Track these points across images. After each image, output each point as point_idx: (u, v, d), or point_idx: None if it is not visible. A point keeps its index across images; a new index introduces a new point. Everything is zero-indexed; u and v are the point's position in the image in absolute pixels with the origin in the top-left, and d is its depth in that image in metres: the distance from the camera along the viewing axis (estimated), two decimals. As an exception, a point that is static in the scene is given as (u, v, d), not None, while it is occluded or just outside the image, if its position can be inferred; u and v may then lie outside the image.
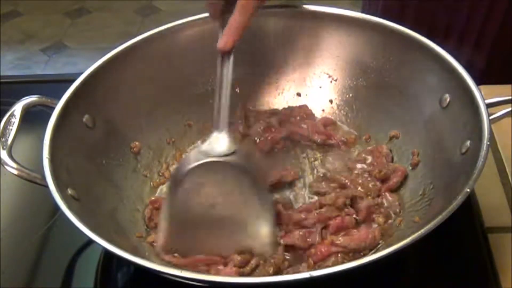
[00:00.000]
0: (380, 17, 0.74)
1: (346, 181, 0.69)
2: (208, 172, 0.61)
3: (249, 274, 0.60)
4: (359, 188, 0.68)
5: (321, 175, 0.71)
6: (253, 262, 0.61)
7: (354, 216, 0.64)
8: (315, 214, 0.64)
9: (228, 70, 0.64)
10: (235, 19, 0.63)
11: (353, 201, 0.66)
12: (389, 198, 0.68)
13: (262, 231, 0.62)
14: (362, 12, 0.92)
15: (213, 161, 0.61)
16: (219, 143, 0.63)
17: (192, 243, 0.62)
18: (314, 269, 0.59)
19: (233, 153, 0.62)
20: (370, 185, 0.69)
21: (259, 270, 0.61)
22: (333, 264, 0.60)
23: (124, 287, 0.66)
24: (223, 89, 0.64)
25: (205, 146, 0.63)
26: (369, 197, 0.67)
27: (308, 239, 0.62)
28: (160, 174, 0.74)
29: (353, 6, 0.93)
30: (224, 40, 0.64)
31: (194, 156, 0.63)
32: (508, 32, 0.88)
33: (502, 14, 0.87)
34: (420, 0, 0.91)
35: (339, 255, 0.61)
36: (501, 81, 0.81)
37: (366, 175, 0.70)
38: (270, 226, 0.63)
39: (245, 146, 0.66)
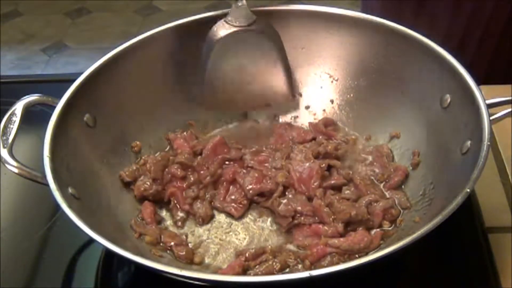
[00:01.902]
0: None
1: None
2: (234, 40, 0.72)
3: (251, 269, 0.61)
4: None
5: None
6: (263, 257, 0.62)
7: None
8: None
9: None
10: None
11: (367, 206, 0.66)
12: (396, 196, 0.68)
13: (284, 84, 0.77)
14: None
15: (238, 31, 0.71)
16: (239, 13, 0.71)
17: (226, 99, 0.77)
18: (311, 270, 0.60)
19: (253, 21, 0.72)
20: (372, 188, 0.69)
21: (265, 267, 0.61)
22: (329, 265, 0.60)
23: (125, 286, 0.66)
24: None
25: (229, 18, 0.72)
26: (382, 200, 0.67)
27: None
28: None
29: (353, 6, 0.93)
30: None
31: (219, 28, 0.72)
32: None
33: (506, 15, 0.87)
34: (419, 1, 0.91)
35: (335, 256, 0.61)
36: (505, 81, 0.81)
37: (367, 174, 0.70)
38: (288, 78, 0.77)
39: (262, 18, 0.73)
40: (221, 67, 0.74)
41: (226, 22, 0.72)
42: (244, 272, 0.61)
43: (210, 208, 0.69)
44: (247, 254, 0.62)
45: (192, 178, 0.71)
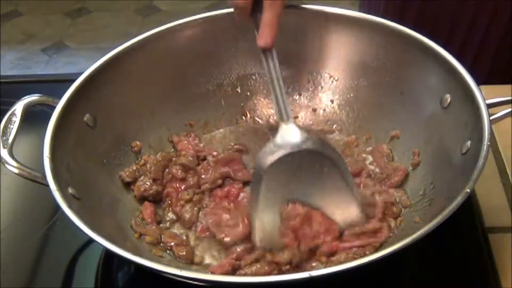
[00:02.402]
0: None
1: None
2: (287, 164, 0.61)
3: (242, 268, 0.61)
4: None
5: None
6: (253, 256, 0.62)
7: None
8: None
9: (274, 64, 0.64)
10: (268, 16, 0.63)
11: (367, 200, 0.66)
12: (397, 194, 0.68)
13: (351, 208, 0.64)
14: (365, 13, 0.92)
15: (291, 152, 0.61)
16: (290, 133, 0.62)
17: (285, 236, 0.62)
18: (327, 265, 0.61)
19: (306, 140, 0.62)
20: (372, 186, 0.69)
21: (256, 267, 0.61)
22: (345, 260, 0.60)
23: (125, 286, 0.66)
24: (275, 81, 0.64)
25: (278, 140, 0.62)
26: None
27: None
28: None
29: (353, 6, 0.93)
30: (264, 38, 0.63)
31: (269, 151, 0.61)
32: None
33: (508, 15, 0.87)
34: (422, 1, 0.91)
35: (352, 250, 0.61)
36: (505, 81, 0.81)
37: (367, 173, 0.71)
38: (355, 202, 0.63)
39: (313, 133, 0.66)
40: (275, 195, 0.62)
41: (276, 144, 0.62)
42: (234, 270, 0.61)
43: (196, 215, 0.68)
44: (237, 251, 0.62)
45: (192, 182, 0.71)
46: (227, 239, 0.64)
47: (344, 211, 0.63)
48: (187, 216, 0.68)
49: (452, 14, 0.89)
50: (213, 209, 0.68)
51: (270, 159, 0.60)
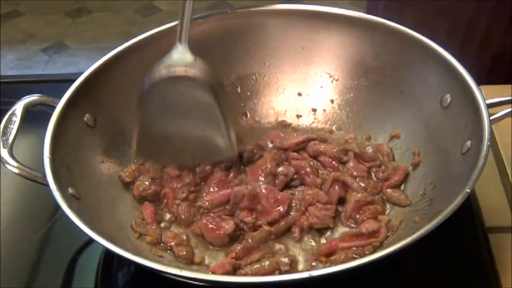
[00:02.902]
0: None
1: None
2: (171, 85, 0.64)
3: (243, 267, 0.61)
4: (359, 182, 0.69)
5: None
6: (253, 255, 0.62)
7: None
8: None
9: None
10: None
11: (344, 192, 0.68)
12: (394, 194, 0.68)
13: (223, 138, 0.67)
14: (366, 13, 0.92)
15: (174, 76, 0.64)
16: (179, 55, 0.65)
17: (160, 152, 0.69)
18: (326, 265, 0.61)
19: (193, 65, 0.64)
20: (370, 182, 0.69)
21: (257, 267, 0.61)
22: (344, 259, 0.61)
23: (125, 286, 0.66)
24: (187, 2, 0.66)
25: (166, 59, 0.65)
26: (364, 193, 0.67)
27: None
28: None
29: (353, 6, 0.93)
30: None
31: (157, 69, 0.64)
32: None
33: (508, 15, 0.87)
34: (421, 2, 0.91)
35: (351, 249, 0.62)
36: (505, 81, 0.81)
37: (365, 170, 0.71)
38: (229, 132, 0.67)
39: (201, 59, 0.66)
40: (156, 115, 0.66)
41: (164, 65, 0.64)
42: (235, 270, 0.61)
43: (193, 214, 0.68)
44: (237, 250, 0.62)
45: (187, 180, 0.70)
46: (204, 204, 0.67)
47: (214, 141, 0.68)
48: (183, 216, 0.68)
49: (452, 14, 0.89)
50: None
51: (156, 77, 0.64)
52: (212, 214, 0.67)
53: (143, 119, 0.66)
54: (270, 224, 0.65)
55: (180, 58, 0.65)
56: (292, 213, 0.66)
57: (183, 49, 0.65)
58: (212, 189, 0.70)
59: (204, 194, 0.69)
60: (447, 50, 0.68)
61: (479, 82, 0.64)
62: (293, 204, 0.67)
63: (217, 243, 0.65)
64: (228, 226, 0.65)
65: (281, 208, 0.66)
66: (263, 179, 0.69)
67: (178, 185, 0.70)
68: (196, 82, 0.64)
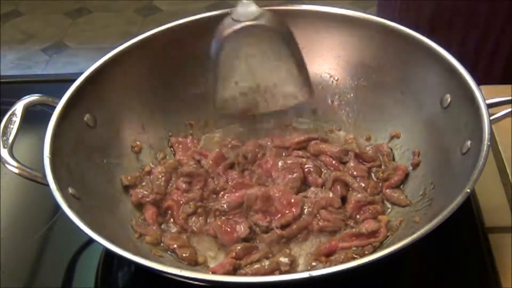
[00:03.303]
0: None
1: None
2: (242, 36, 0.68)
3: (243, 267, 0.61)
4: (359, 182, 0.69)
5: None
6: (253, 255, 0.62)
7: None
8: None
9: None
10: None
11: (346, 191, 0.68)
12: (394, 194, 0.68)
13: (298, 83, 0.71)
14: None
15: (245, 26, 0.68)
16: (246, 9, 0.68)
17: (236, 104, 0.72)
18: (326, 265, 0.61)
19: (261, 15, 0.68)
20: (370, 182, 0.69)
21: (257, 267, 0.61)
22: (344, 259, 0.61)
23: (125, 286, 0.66)
24: None
25: (234, 14, 0.68)
26: (364, 193, 0.67)
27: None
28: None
29: (353, 6, 0.93)
30: None
31: (226, 25, 0.68)
32: None
33: (503, 16, 0.87)
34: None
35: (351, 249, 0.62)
36: (505, 81, 0.81)
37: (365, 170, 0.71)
38: (305, 78, 0.71)
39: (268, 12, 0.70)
40: (232, 66, 0.70)
41: (233, 19, 0.68)
42: (235, 270, 0.61)
43: (203, 223, 0.67)
44: (237, 250, 0.62)
45: (194, 195, 0.69)
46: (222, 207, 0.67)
47: (289, 86, 0.71)
48: (195, 228, 0.67)
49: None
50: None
51: (228, 30, 0.68)
52: (226, 216, 0.67)
53: (217, 75, 0.70)
54: (282, 227, 0.65)
55: (247, 10, 0.68)
56: (304, 216, 0.65)
57: (248, 3, 0.68)
58: (228, 193, 0.69)
59: (220, 196, 0.69)
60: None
61: (477, 82, 0.64)
62: (305, 207, 0.66)
63: (229, 245, 0.64)
64: (243, 229, 0.64)
65: (294, 210, 0.65)
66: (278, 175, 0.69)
67: (183, 199, 0.69)
68: (266, 31, 0.68)
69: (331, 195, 0.67)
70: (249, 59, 0.70)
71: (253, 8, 0.68)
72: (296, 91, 0.72)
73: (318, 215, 0.65)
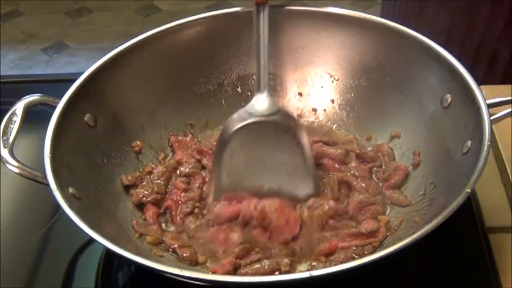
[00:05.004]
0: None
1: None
2: (253, 131, 0.65)
3: (243, 267, 0.61)
4: (361, 183, 0.69)
5: None
6: (254, 256, 0.62)
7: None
8: None
9: (264, 20, 0.66)
10: None
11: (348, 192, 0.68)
12: (395, 194, 0.68)
13: (306, 183, 0.67)
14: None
15: (257, 121, 0.65)
16: (261, 103, 0.66)
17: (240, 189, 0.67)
18: (326, 265, 0.61)
19: (276, 112, 0.65)
20: (372, 182, 0.70)
21: (257, 267, 0.61)
22: (344, 259, 0.61)
23: (125, 287, 0.66)
24: (261, 49, 0.67)
25: (248, 107, 0.66)
26: (366, 193, 0.67)
27: None
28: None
29: (353, 6, 0.93)
30: None
31: (238, 117, 0.66)
32: None
33: (504, 16, 0.87)
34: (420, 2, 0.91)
35: (351, 248, 0.62)
36: (505, 81, 0.81)
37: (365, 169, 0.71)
38: (312, 177, 0.67)
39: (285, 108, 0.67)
40: (238, 160, 0.66)
41: (247, 112, 0.66)
42: (235, 270, 0.61)
43: (199, 225, 0.67)
44: (236, 250, 0.62)
45: (194, 195, 0.69)
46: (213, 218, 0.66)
47: (298, 184, 0.67)
48: (192, 226, 0.67)
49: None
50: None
51: (238, 124, 0.65)
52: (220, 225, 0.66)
53: (222, 168, 0.66)
54: (282, 243, 0.64)
55: (262, 106, 0.66)
56: (304, 229, 0.64)
57: (263, 98, 0.66)
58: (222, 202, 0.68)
59: (213, 205, 0.67)
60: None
61: (477, 82, 0.64)
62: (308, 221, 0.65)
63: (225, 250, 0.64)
64: (237, 237, 0.64)
65: (293, 230, 0.64)
66: None
67: (183, 199, 0.69)
68: (278, 127, 0.65)
69: (331, 203, 0.66)
70: (256, 154, 0.66)
71: (269, 104, 0.66)
72: (300, 189, 0.67)
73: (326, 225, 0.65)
